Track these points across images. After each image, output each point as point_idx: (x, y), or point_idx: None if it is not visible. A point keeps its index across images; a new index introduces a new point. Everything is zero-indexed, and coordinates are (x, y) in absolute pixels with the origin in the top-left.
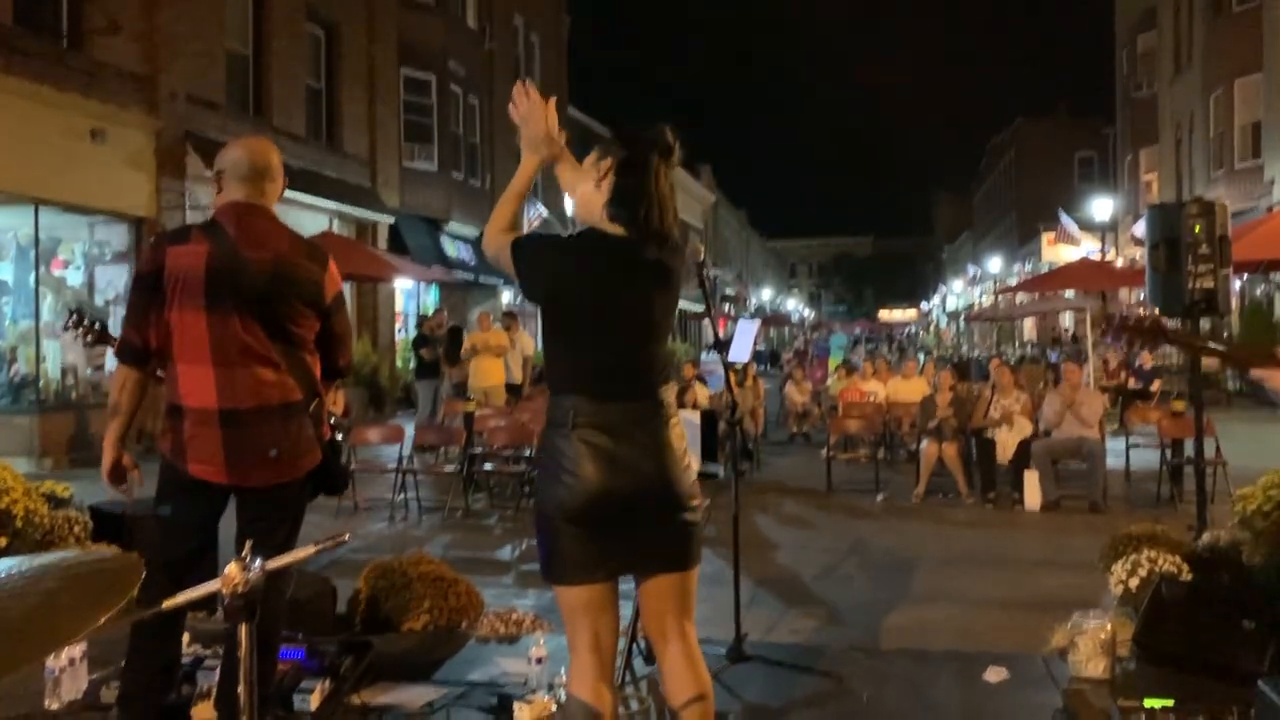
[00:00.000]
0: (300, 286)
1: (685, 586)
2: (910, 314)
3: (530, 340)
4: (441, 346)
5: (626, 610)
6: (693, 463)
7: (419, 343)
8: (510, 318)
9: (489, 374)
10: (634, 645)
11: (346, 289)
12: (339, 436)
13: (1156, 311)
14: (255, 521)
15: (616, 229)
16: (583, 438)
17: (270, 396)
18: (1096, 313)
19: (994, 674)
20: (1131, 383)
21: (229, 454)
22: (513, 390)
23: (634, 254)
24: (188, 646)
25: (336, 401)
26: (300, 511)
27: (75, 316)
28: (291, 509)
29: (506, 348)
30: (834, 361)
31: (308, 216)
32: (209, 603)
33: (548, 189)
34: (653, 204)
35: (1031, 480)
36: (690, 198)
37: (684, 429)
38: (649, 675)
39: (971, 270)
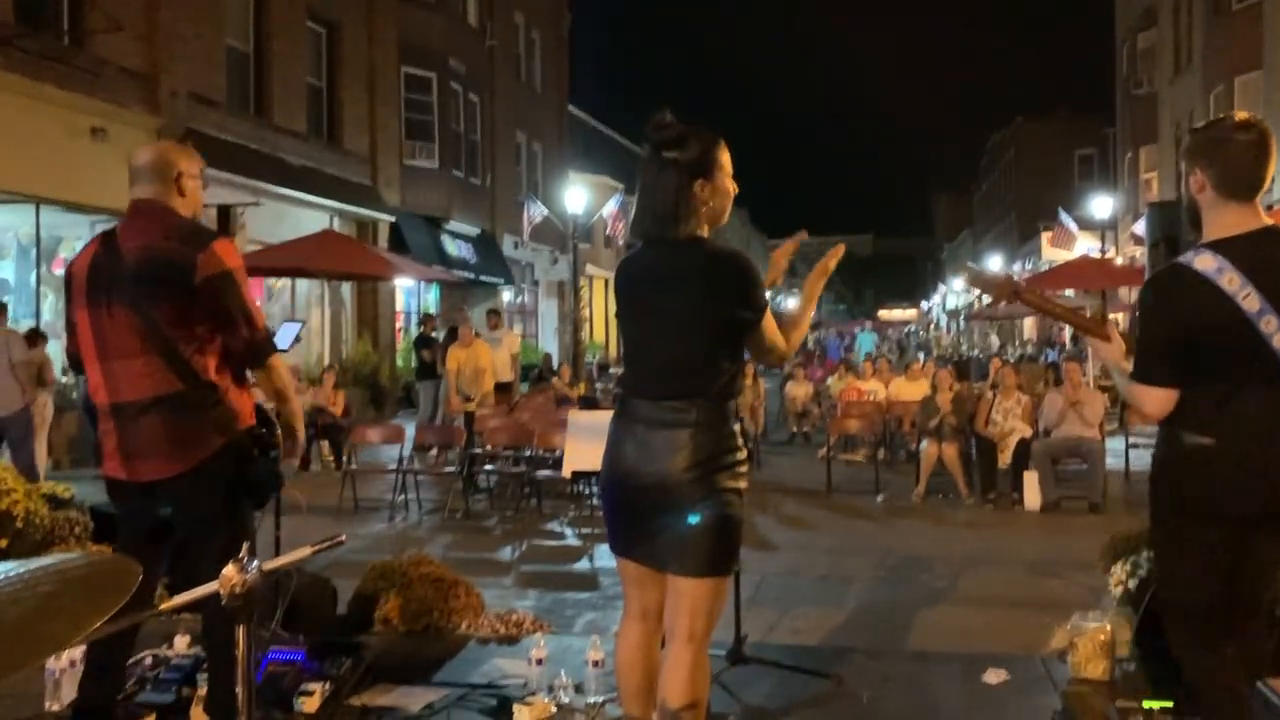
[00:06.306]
0: (165, 269)
1: (687, 593)
2: (910, 313)
3: (517, 338)
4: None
5: None
6: (737, 475)
7: (420, 343)
8: (495, 315)
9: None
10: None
11: (346, 288)
12: (269, 434)
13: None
14: (177, 531)
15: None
16: (618, 426)
17: (144, 389)
18: (1097, 312)
19: (993, 675)
20: None
21: (121, 448)
22: (502, 388)
23: (646, 260)
24: (188, 648)
25: (336, 402)
26: (219, 514)
27: None
28: (203, 509)
29: (486, 369)
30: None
31: (308, 215)
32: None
33: (547, 188)
34: (644, 205)
35: (1031, 481)
36: None
37: (732, 440)
38: None
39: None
